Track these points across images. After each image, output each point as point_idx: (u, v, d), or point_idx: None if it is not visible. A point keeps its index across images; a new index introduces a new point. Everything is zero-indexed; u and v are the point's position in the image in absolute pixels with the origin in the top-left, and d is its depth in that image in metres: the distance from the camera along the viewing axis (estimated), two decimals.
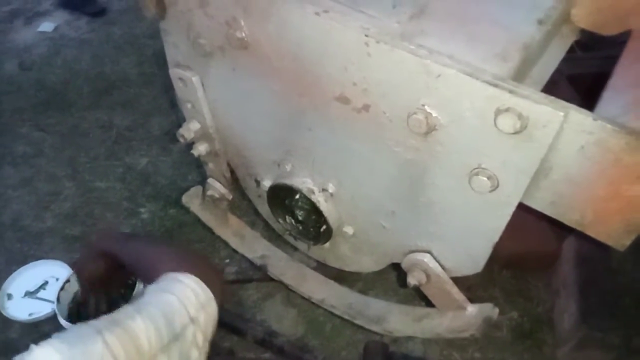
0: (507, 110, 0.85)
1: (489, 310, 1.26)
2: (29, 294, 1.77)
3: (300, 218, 1.47)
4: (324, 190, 1.32)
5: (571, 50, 1.19)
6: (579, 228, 0.99)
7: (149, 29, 2.83)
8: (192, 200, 1.81)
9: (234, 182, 1.64)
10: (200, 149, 1.50)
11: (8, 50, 2.82)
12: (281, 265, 1.70)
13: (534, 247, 1.74)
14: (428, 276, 1.24)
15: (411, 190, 1.13)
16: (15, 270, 1.82)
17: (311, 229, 1.47)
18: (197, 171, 2.12)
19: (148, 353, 0.69)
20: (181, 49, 1.33)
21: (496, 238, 1.07)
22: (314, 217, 1.41)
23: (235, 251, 1.78)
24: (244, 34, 1.12)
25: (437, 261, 1.22)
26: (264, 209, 1.59)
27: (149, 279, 0.85)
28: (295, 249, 1.70)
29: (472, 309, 1.29)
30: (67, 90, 2.56)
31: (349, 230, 1.37)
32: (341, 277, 1.66)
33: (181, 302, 0.76)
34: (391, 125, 1.04)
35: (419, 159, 1.05)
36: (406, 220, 1.21)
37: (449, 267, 1.22)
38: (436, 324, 1.35)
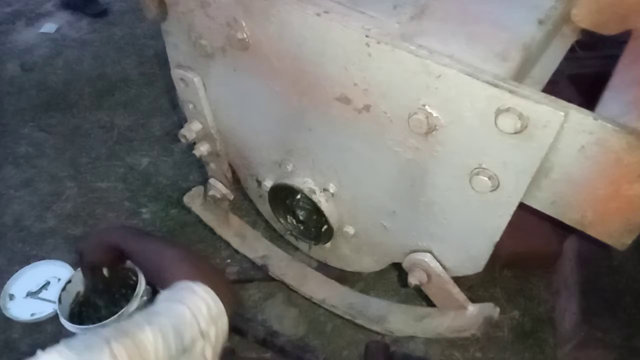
0: (507, 110, 0.85)
1: (490, 309, 1.26)
2: (31, 294, 1.78)
3: (301, 218, 1.47)
4: (325, 190, 1.32)
5: (572, 50, 1.19)
6: (579, 228, 0.99)
7: (150, 30, 2.84)
8: (193, 200, 1.81)
9: (235, 182, 1.65)
10: (202, 149, 1.50)
11: (10, 51, 2.84)
12: (282, 265, 1.70)
13: (535, 246, 1.74)
14: (429, 276, 1.24)
15: (412, 190, 1.13)
16: (17, 271, 1.83)
17: (312, 229, 1.47)
18: (199, 171, 2.13)
19: None
20: (182, 50, 1.33)
21: (497, 238, 1.07)
22: (315, 217, 1.42)
23: (236, 251, 1.78)
24: (244, 35, 1.13)
25: (438, 261, 1.22)
26: (265, 209, 1.59)
27: (160, 282, 0.85)
28: (297, 249, 1.70)
29: (473, 308, 1.29)
30: (68, 91, 2.56)
31: (350, 230, 1.37)
32: (342, 277, 1.67)
33: (193, 314, 0.75)
34: (392, 126, 1.04)
35: (419, 159, 1.05)
36: (407, 220, 1.21)
37: (449, 266, 1.22)
38: (437, 324, 1.35)
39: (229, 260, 1.86)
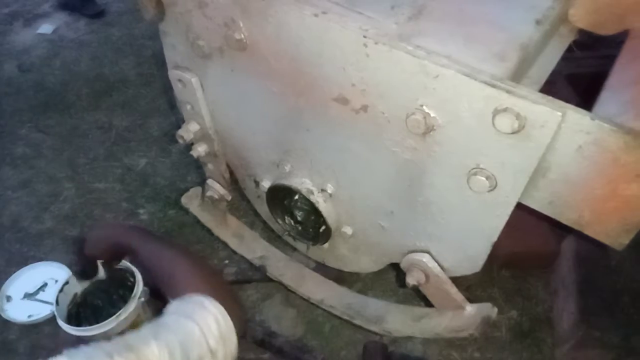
0: (505, 110, 0.85)
1: (488, 309, 1.26)
2: (28, 296, 1.77)
3: (299, 218, 1.47)
4: (323, 190, 1.32)
5: (569, 50, 1.19)
6: (577, 227, 0.99)
7: (148, 30, 2.84)
8: (191, 201, 1.81)
9: (233, 183, 1.65)
10: (200, 150, 1.50)
11: (7, 52, 2.83)
12: (280, 265, 1.70)
13: (532, 246, 1.74)
14: (427, 276, 1.24)
15: (410, 190, 1.13)
16: (14, 272, 1.82)
17: (310, 230, 1.47)
18: (196, 172, 2.12)
19: None
20: (180, 50, 1.33)
21: (495, 238, 1.07)
22: (313, 217, 1.42)
23: (234, 252, 1.78)
24: (242, 35, 1.12)
25: (436, 261, 1.22)
26: (263, 209, 1.59)
27: (169, 290, 0.84)
28: (295, 249, 1.70)
29: (471, 308, 1.29)
30: (66, 92, 2.56)
31: (347, 230, 1.38)
32: (340, 277, 1.67)
33: (202, 332, 0.73)
34: (390, 126, 1.04)
35: (417, 159, 1.05)
36: (405, 220, 1.21)
37: (447, 267, 1.22)
38: (435, 324, 1.35)
39: (226, 261, 1.86)
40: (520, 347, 1.62)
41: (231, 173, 1.61)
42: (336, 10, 1.01)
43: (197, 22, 1.20)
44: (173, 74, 1.37)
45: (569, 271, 1.61)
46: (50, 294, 1.75)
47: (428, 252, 1.22)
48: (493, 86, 0.85)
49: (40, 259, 1.86)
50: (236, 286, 1.78)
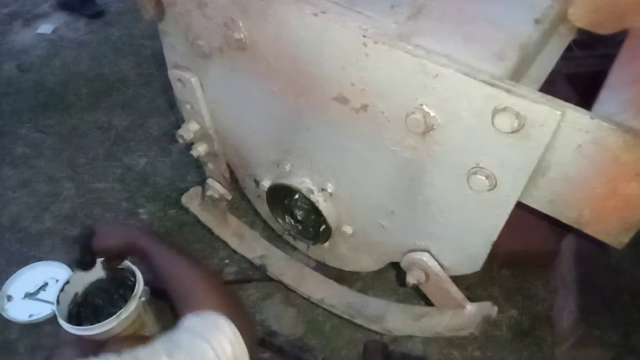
0: (504, 109, 0.85)
1: (488, 308, 1.26)
2: (29, 295, 1.77)
3: (299, 218, 1.47)
4: (323, 190, 1.32)
5: (569, 49, 1.19)
6: (577, 226, 0.99)
7: (148, 30, 2.84)
8: (191, 200, 1.81)
9: (233, 182, 1.65)
10: (200, 149, 1.50)
11: (7, 52, 2.83)
12: (280, 265, 1.70)
13: (532, 245, 1.75)
14: (427, 275, 1.25)
15: (410, 189, 1.13)
16: (15, 272, 1.82)
17: (310, 229, 1.47)
18: (196, 172, 2.13)
19: None
20: (180, 50, 1.33)
21: (495, 237, 1.07)
22: (313, 216, 1.42)
23: (234, 251, 1.78)
24: (242, 35, 1.13)
25: (436, 260, 1.22)
26: (263, 209, 1.59)
27: (180, 300, 0.84)
28: (295, 248, 1.70)
29: (471, 307, 1.29)
30: (65, 92, 2.56)
31: (348, 229, 1.38)
32: (340, 276, 1.67)
33: (216, 355, 0.73)
34: (389, 125, 1.04)
35: (417, 159, 1.06)
36: (405, 219, 1.21)
37: (447, 265, 1.22)
38: (435, 323, 1.35)
39: (227, 261, 1.86)
40: (520, 345, 1.62)
41: (231, 172, 1.61)
42: (336, 9, 1.01)
43: (196, 22, 1.20)
44: (173, 74, 1.37)
45: (569, 270, 1.61)
46: (50, 293, 1.75)
47: (428, 251, 1.22)
48: (492, 85, 0.85)
49: (41, 259, 1.87)
50: (236, 285, 1.78)
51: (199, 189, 1.79)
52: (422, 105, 0.95)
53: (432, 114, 0.96)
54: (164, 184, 2.13)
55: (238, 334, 0.77)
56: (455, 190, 1.04)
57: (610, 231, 0.95)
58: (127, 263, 1.42)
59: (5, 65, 2.73)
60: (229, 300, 0.86)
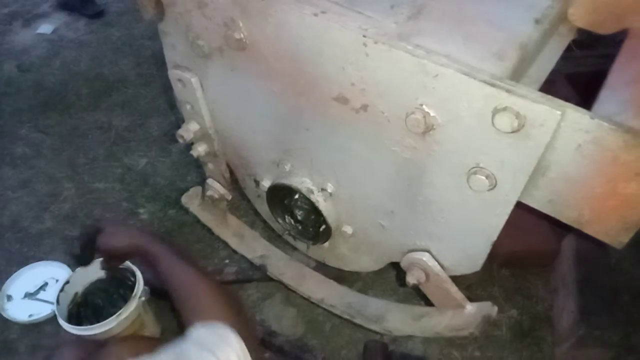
0: (504, 109, 0.85)
1: (488, 308, 1.26)
2: (29, 295, 1.77)
3: (299, 218, 1.47)
4: (323, 190, 1.32)
5: (569, 49, 1.19)
6: (576, 226, 0.99)
7: (148, 30, 2.84)
8: (191, 200, 1.81)
9: (233, 182, 1.65)
10: (200, 149, 1.51)
11: (7, 52, 2.83)
12: (280, 265, 1.70)
13: (532, 245, 1.75)
14: (427, 275, 1.25)
15: (410, 189, 1.13)
16: (15, 272, 1.82)
17: (310, 229, 1.47)
18: (196, 172, 2.13)
19: None
20: (180, 50, 1.33)
21: (495, 237, 1.07)
22: (313, 216, 1.42)
23: (234, 251, 1.78)
24: (242, 35, 1.13)
25: (436, 260, 1.22)
26: (263, 209, 1.59)
27: (187, 309, 0.85)
28: (295, 248, 1.70)
29: (471, 307, 1.29)
30: (65, 92, 2.56)
31: (348, 229, 1.38)
32: (340, 276, 1.67)
33: None
34: (389, 125, 1.04)
35: (417, 159, 1.06)
36: (405, 219, 1.21)
37: (447, 265, 1.22)
38: (435, 323, 1.35)
39: (227, 261, 1.86)
40: (520, 345, 1.62)
41: (231, 172, 1.61)
42: (336, 9, 1.01)
43: (196, 22, 1.20)
44: (173, 74, 1.37)
45: (569, 270, 1.61)
46: (50, 293, 1.75)
47: (428, 251, 1.23)
48: (492, 85, 0.85)
49: (41, 259, 1.87)
50: (236, 285, 1.78)
51: (199, 189, 1.79)
52: (422, 105, 0.95)
53: (432, 114, 0.96)
54: (164, 184, 2.13)
55: (245, 347, 0.77)
56: (455, 190, 1.04)
57: (610, 231, 0.95)
58: (127, 263, 1.42)
59: (5, 65, 2.73)
60: (237, 312, 0.86)
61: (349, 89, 1.05)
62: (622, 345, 1.43)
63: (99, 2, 3.11)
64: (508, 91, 0.84)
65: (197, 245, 1.90)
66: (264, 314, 1.72)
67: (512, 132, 0.86)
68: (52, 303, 1.52)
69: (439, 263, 1.23)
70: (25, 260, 1.86)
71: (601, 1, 1.07)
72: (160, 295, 1.53)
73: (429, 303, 1.37)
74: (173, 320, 1.65)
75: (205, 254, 1.87)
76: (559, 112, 0.82)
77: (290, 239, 1.63)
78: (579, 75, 1.78)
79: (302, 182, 1.34)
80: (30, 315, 1.71)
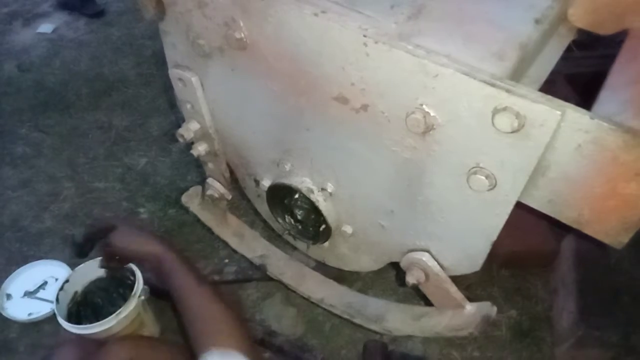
0: (504, 109, 0.85)
1: (488, 308, 1.26)
2: (29, 294, 1.77)
3: (299, 217, 1.47)
4: (323, 189, 1.32)
5: (569, 50, 1.19)
6: (576, 226, 0.99)
7: (148, 30, 2.84)
8: (191, 200, 1.81)
9: (233, 182, 1.65)
10: (200, 149, 1.51)
11: (7, 51, 2.83)
12: (280, 264, 1.70)
13: (532, 245, 1.75)
14: (427, 275, 1.25)
15: (410, 189, 1.13)
16: (14, 271, 1.82)
17: (310, 229, 1.47)
18: (197, 171, 2.13)
19: None
20: (180, 50, 1.33)
21: (494, 237, 1.07)
22: (313, 216, 1.42)
23: (234, 251, 1.78)
24: (242, 35, 1.13)
25: (436, 260, 1.22)
26: (263, 208, 1.59)
27: (201, 334, 0.86)
28: (295, 248, 1.70)
29: (470, 307, 1.29)
30: (66, 91, 2.56)
31: (347, 229, 1.38)
32: (340, 276, 1.67)
33: None
34: (389, 125, 1.04)
35: (417, 159, 1.06)
36: (405, 219, 1.21)
37: (447, 265, 1.22)
38: (435, 323, 1.35)
39: (227, 260, 1.86)
40: (520, 346, 1.62)
41: (231, 172, 1.61)
42: (336, 9, 1.01)
43: (197, 22, 1.20)
44: (173, 73, 1.37)
45: (569, 270, 1.61)
46: (50, 292, 1.75)
47: (428, 251, 1.23)
48: (492, 85, 0.85)
49: (40, 258, 1.87)
50: (236, 285, 1.78)
51: (199, 188, 1.79)
52: (422, 105, 0.96)
53: (432, 114, 0.96)
54: (164, 184, 2.13)
55: None
56: (455, 190, 1.04)
57: (610, 231, 0.95)
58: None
59: (5, 65, 2.73)
60: (247, 336, 0.87)
61: (349, 89, 1.05)
62: (622, 346, 1.43)
63: (99, 2, 3.11)
64: (508, 91, 0.84)
65: (197, 245, 1.90)
66: (263, 314, 1.72)
67: (512, 132, 0.86)
68: (51, 302, 1.52)
69: (439, 263, 1.23)
70: (24, 259, 1.86)
71: (601, 1, 1.07)
72: (160, 295, 1.54)
73: (428, 303, 1.37)
74: (173, 319, 1.65)
75: (205, 253, 1.87)
76: (559, 112, 0.82)
77: (290, 239, 1.63)
78: (579, 76, 1.79)
79: (302, 181, 1.34)
80: (29, 314, 1.71)
